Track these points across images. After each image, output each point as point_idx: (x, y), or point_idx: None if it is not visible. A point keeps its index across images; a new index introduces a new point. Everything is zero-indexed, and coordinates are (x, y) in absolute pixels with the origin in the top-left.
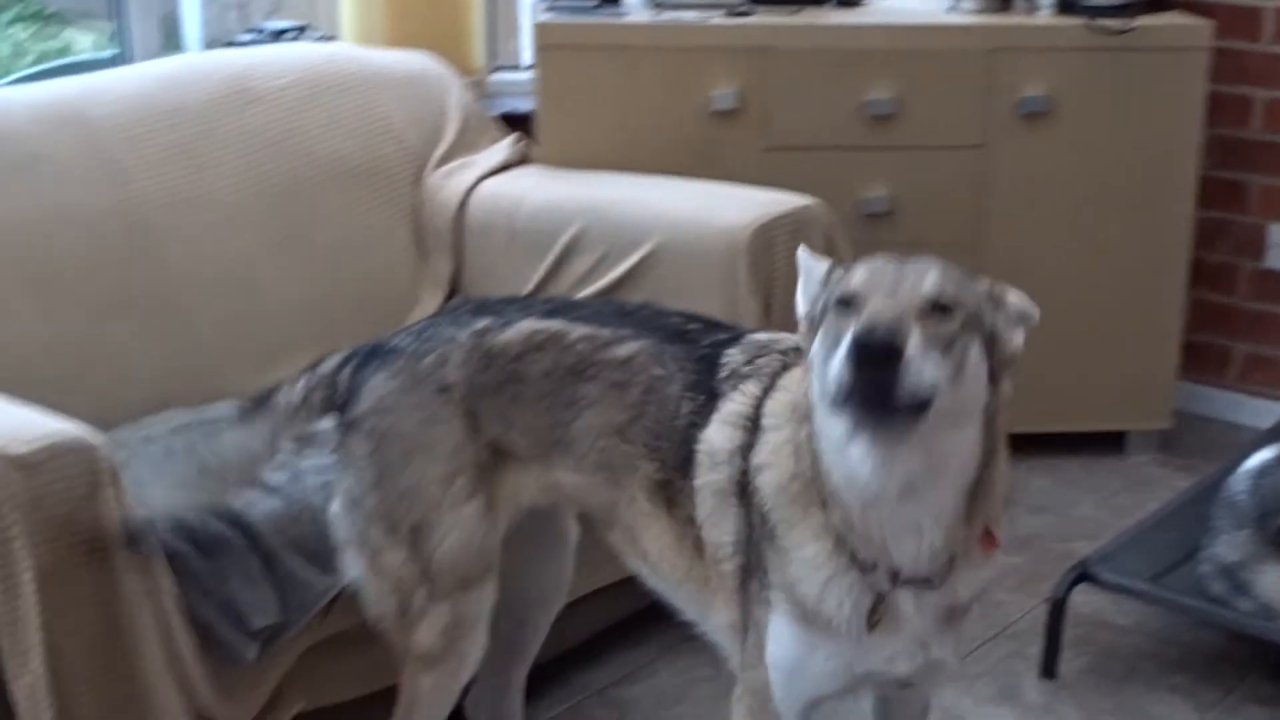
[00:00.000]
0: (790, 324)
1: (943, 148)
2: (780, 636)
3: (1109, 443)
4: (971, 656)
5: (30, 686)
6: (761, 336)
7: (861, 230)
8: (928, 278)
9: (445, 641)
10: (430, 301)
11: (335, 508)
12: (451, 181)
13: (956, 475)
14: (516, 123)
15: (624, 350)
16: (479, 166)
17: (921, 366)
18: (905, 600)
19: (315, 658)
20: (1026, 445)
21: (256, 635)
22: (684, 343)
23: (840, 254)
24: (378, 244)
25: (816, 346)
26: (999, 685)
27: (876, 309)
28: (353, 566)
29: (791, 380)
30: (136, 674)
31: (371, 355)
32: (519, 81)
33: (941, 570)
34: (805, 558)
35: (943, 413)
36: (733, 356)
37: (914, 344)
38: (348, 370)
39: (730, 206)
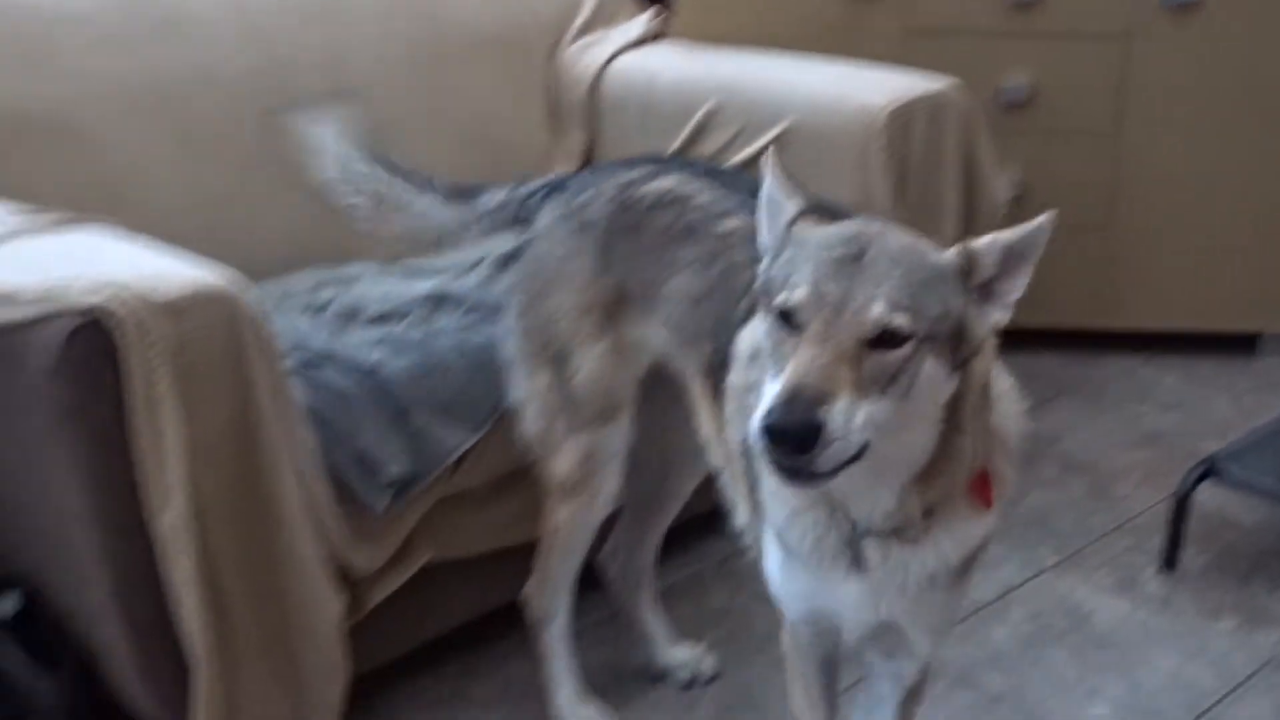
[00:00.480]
0: (921, 210)
1: (1087, 37)
2: (769, 550)
3: (1241, 344)
4: (1091, 547)
5: (173, 524)
6: None
7: (1000, 118)
8: (875, 305)
9: (581, 473)
10: (564, 169)
11: (504, 325)
12: (587, 55)
13: (914, 462)
14: None
15: (728, 224)
16: (615, 41)
17: (847, 433)
18: (871, 549)
19: (445, 512)
20: (1158, 343)
21: (388, 486)
22: None
23: (978, 141)
24: (513, 115)
25: (761, 331)
26: (1118, 576)
27: (801, 366)
28: (515, 385)
29: None
30: (274, 516)
31: (555, 188)
32: None
33: (916, 526)
34: (773, 486)
35: (889, 430)
36: None
37: (840, 410)
38: (536, 197)
39: (867, 87)
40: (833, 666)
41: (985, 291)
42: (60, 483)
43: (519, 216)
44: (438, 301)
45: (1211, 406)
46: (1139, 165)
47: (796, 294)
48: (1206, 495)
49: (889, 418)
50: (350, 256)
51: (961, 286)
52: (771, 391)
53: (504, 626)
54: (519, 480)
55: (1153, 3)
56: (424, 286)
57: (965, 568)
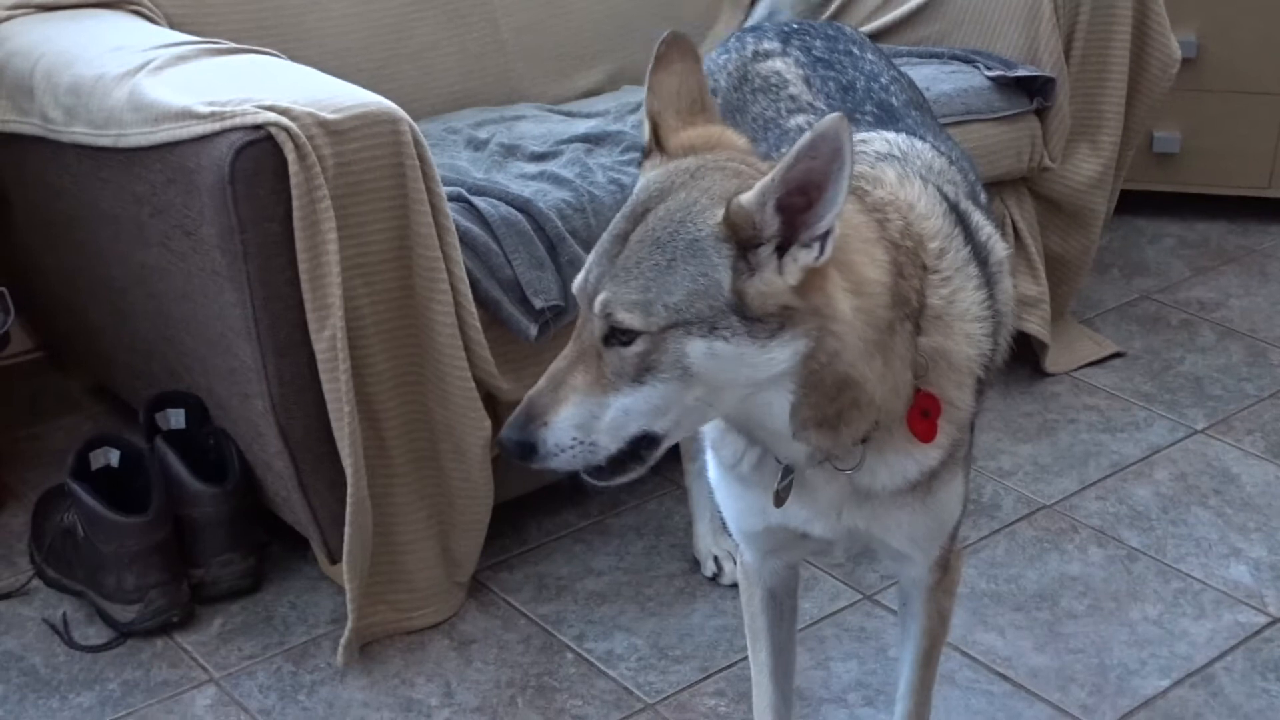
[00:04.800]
0: (1087, 68)
1: None
2: (710, 462)
3: None
4: (1244, 413)
5: (331, 340)
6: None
7: None
8: (597, 302)
9: None
10: (730, 20)
11: None
12: None
13: (785, 420)
14: None
15: (796, 120)
16: None
17: (577, 441)
18: (808, 472)
19: None
20: None
21: (538, 315)
22: None
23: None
24: None
25: None
26: (1268, 442)
27: (548, 372)
28: None
29: None
30: (427, 338)
31: (735, 36)
32: None
33: (847, 456)
34: None
35: (699, 409)
36: None
37: (560, 424)
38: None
39: None
40: (783, 601)
41: (783, 240)
42: (226, 297)
43: None
44: (596, 140)
45: None
46: None
47: (576, 279)
48: None
49: (665, 403)
50: (515, 98)
51: (728, 254)
52: None
53: None
54: None
55: None
56: (583, 127)
57: (930, 482)
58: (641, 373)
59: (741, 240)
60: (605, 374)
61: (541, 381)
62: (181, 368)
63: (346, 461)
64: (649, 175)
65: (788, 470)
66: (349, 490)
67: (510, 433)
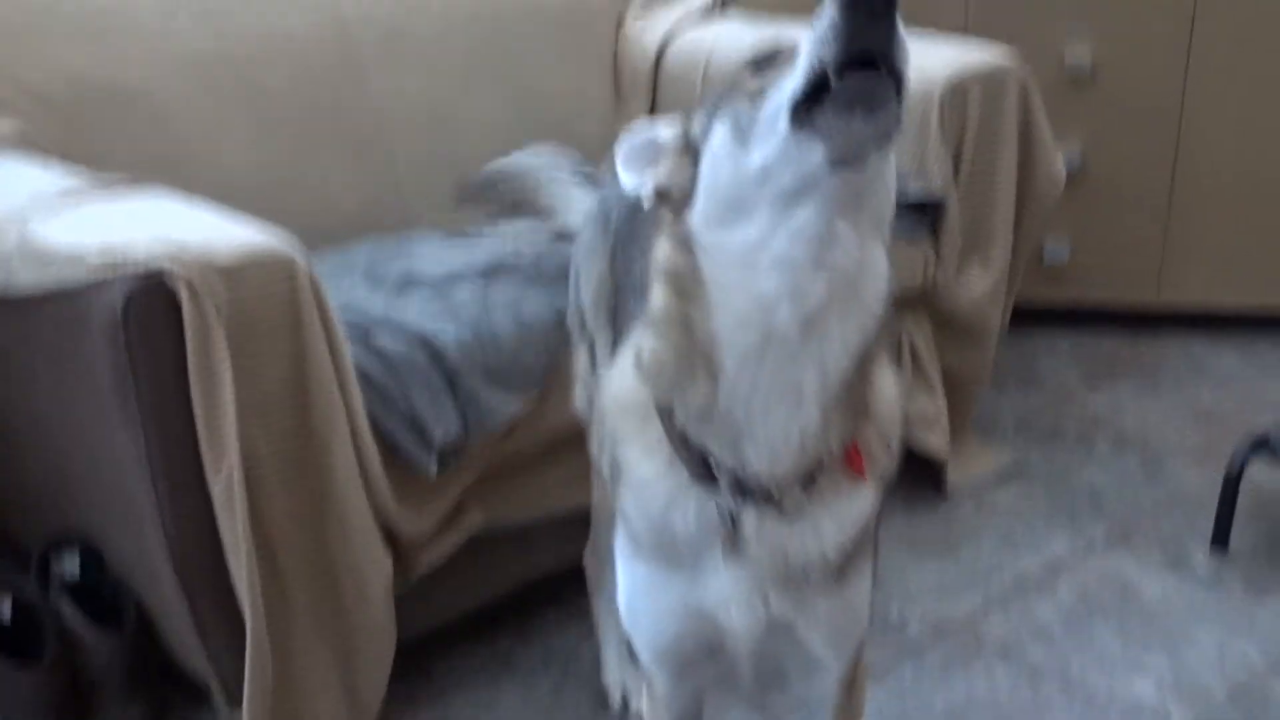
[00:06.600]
0: (976, 184)
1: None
2: (627, 570)
3: None
4: (1142, 524)
5: (227, 481)
6: None
7: (1062, 91)
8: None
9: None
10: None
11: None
12: (652, 27)
13: (861, 315)
14: None
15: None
16: (679, 12)
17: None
18: (748, 522)
19: (495, 478)
20: (1215, 322)
21: (438, 450)
22: None
23: (1035, 115)
24: (576, 87)
25: (718, 148)
26: (1167, 553)
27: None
28: (572, 355)
29: None
30: (326, 479)
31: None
32: None
33: (795, 488)
34: (643, 475)
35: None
36: None
37: None
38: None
39: (925, 57)
40: None
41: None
42: (120, 441)
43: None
44: (494, 270)
45: (1268, 386)
46: (1200, 142)
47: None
48: (1259, 474)
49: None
50: (411, 226)
51: None
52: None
53: (552, 594)
54: (570, 447)
55: None
56: (481, 256)
57: (846, 567)
58: None
59: None
60: None
61: None
62: (75, 512)
63: (245, 604)
64: None
65: (729, 514)
66: (248, 634)
67: None
